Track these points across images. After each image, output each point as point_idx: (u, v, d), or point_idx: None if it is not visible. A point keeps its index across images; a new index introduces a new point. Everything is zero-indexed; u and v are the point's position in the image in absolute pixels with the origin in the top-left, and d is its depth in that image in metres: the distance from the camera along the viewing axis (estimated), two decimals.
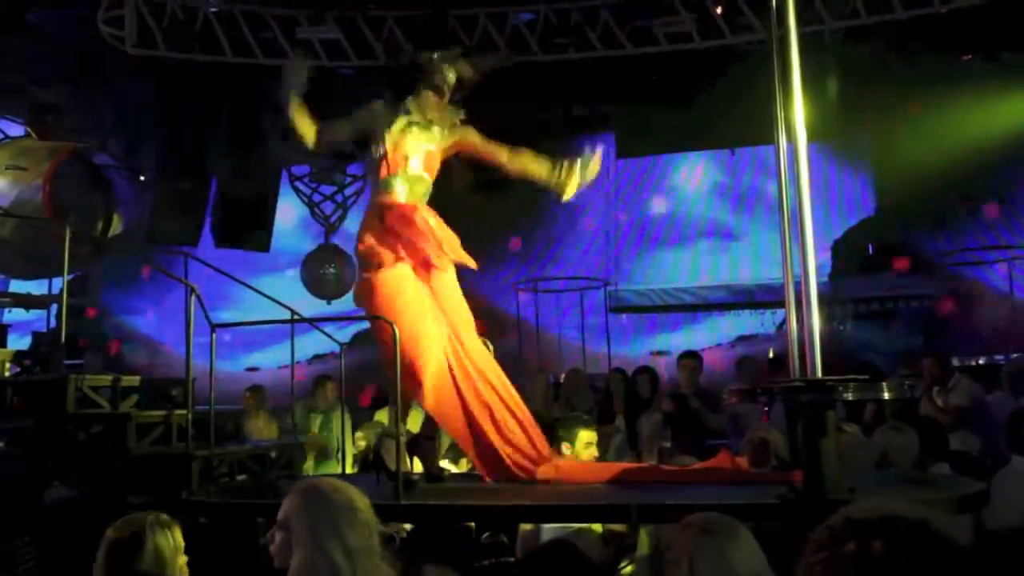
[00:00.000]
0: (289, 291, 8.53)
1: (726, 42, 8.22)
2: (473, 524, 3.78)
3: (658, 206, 11.82)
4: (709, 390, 6.48)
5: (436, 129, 4.02)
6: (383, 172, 3.95)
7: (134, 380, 5.00)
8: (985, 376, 6.44)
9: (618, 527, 3.86)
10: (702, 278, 11.43)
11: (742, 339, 10.95)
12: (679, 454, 4.88)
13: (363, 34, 8.61)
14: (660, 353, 10.58)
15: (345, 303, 10.37)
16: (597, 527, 3.88)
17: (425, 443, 3.99)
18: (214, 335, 3.93)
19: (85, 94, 8.81)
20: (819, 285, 3.06)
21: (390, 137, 3.94)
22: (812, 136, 3.14)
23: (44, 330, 6.58)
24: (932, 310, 9.57)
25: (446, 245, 3.92)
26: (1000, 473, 4.12)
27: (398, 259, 3.84)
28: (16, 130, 8.74)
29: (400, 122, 3.96)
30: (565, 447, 4.14)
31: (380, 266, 3.83)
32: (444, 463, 4.44)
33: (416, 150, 3.98)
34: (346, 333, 7.79)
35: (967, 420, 5.48)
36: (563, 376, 7.57)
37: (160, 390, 5.05)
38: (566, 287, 10.87)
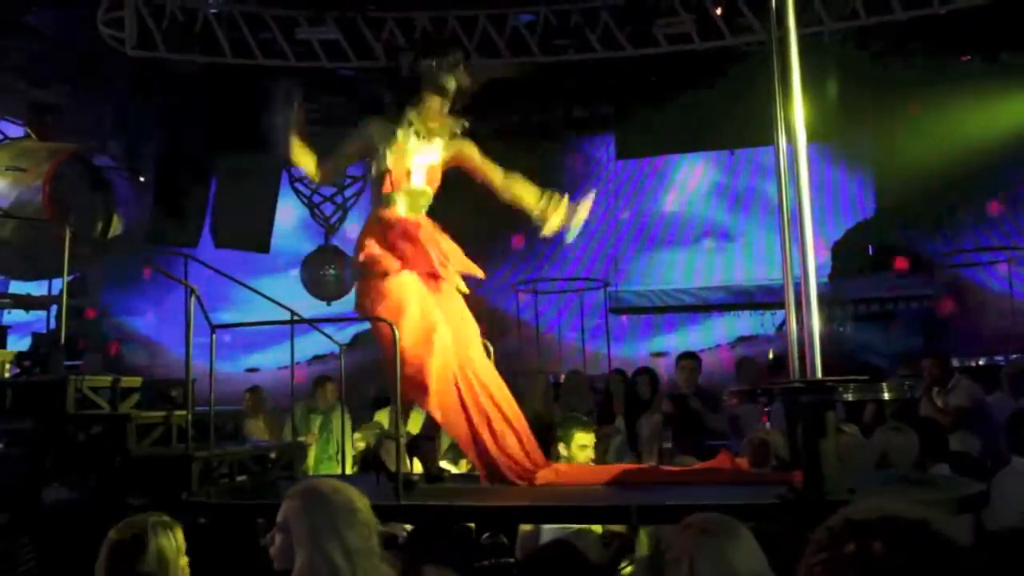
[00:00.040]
0: (289, 292, 8.53)
1: (726, 43, 8.22)
2: (473, 525, 3.78)
3: (658, 207, 11.83)
4: (709, 391, 6.48)
5: (437, 140, 3.99)
6: (385, 187, 3.93)
7: (134, 381, 4.99)
8: (985, 377, 6.45)
9: (618, 528, 3.86)
10: (702, 279, 11.43)
11: (742, 340, 10.95)
12: (680, 455, 4.88)
13: (363, 35, 8.62)
14: (660, 354, 10.57)
15: (345, 304, 10.38)
16: (597, 528, 3.88)
17: (425, 444, 3.99)
18: (214, 336, 3.93)
19: (85, 95, 8.82)
20: (819, 286, 3.06)
21: (392, 154, 3.91)
22: (812, 137, 3.14)
23: (44, 331, 6.57)
24: (932, 311, 9.57)
25: (452, 258, 3.94)
26: (1000, 474, 4.12)
27: (403, 267, 3.84)
28: (16, 131, 8.74)
29: (401, 135, 3.94)
30: (561, 448, 4.14)
31: (385, 274, 3.82)
32: (444, 464, 4.43)
33: (418, 164, 3.95)
34: (346, 334, 7.80)
35: (967, 421, 5.49)
36: (563, 377, 7.58)
37: (160, 391, 5.04)
38: (566, 287, 10.87)
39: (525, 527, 3.98)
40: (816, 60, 6.10)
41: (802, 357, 3.06)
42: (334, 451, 6.63)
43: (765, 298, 10.37)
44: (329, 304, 10.64)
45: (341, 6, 8.52)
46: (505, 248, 10.82)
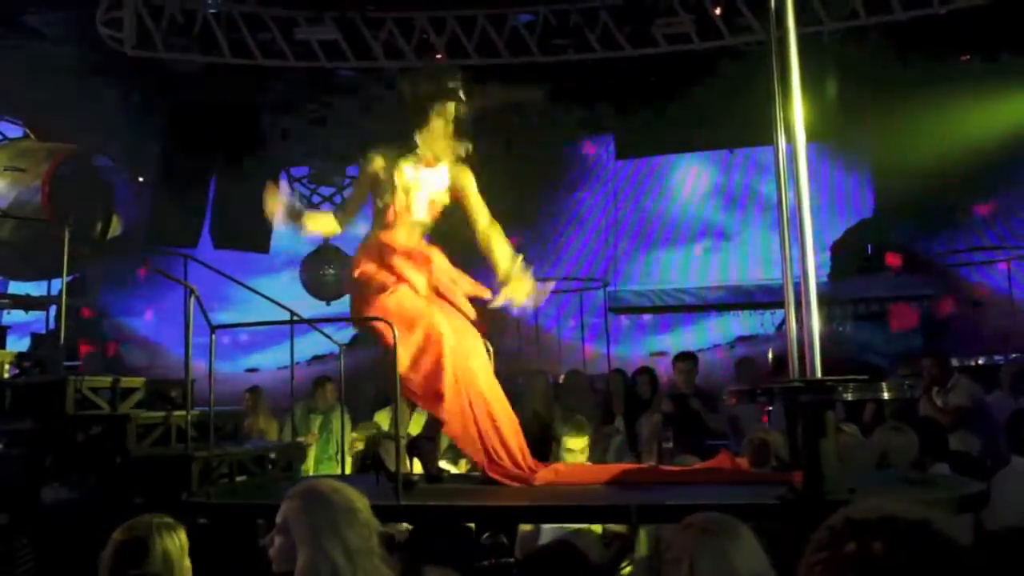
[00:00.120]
0: (288, 292, 8.52)
1: (725, 43, 8.23)
2: (473, 525, 3.78)
3: (658, 206, 11.83)
4: (708, 391, 6.47)
5: (441, 168, 4.00)
6: (388, 217, 3.96)
7: (134, 381, 4.99)
8: (985, 376, 6.44)
9: (618, 528, 3.86)
10: (702, 278, 11.44)
11: (742, 340, 10.96)
12: (681, 454, 4.88)
13: (362, 35, 8.62)
14: (660, 354, 10.58)
15: (344, 304, 10.35)
16: (597, 528, 3.88)
17: (425, 444, 3.99)
18: (214, 336, 3.93)
19: (85, 95, 8.80)
20: (818, 285, 3.06)
21: (396, 189, 3.93)
22: (811, 136, 3.14)
23: (43, 332, 6.57)
24: (932, 310, 9.58)
25: (460, 281, 3.99)
26: (1000, 473, 4.12)
27: (399, 281, 3.86)
28: (15, 131, 8.72)
29: (407, 166, 3.95)
30: (556, 446, 4.17)
31: (381, 290, 3.83)
32: (444, 464, 4.43)
33: (421, 198, 3.99)
34: (345, 334, 7.79)
35: (967, 420, 5.48)
36: (562, 377, 7.57)
37: (160, 391, 5.04)
38: (565, 287, 10.87)
39: (525, 527, 3.98)
40: (815, 60, 6.10)
41: (802, 357, 3.06)
42: (334, 451, 6.62)
43: (765, 298, 10.37)
44: (328, 304, 10.63)
45: (340, 6, 8.52)
46: None
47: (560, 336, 10.66)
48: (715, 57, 8.34)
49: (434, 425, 3.98)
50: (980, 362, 7.58)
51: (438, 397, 3.72)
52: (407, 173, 3.95)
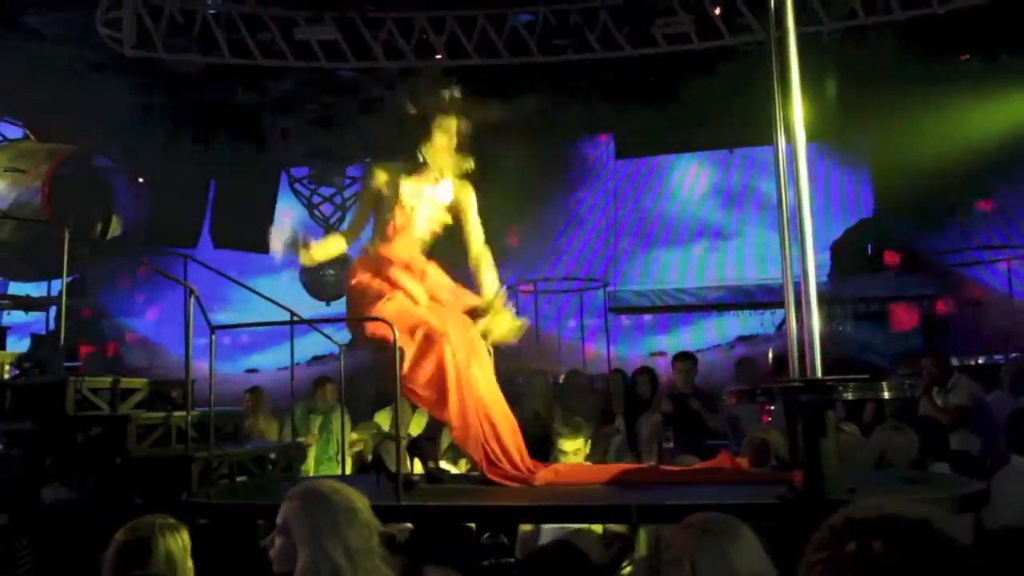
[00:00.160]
0: (288, 292, 8.51)
1: (725, 43, 8.22)
2: (473, 525, 3.78)
3: (657, 206, 11.83)
4: (708, 391, 6.47)
5: (445, 184, 4.00)
6: (388, 232, 3.96)
7: (134, 382, 4.99)
8: (985, 376, 6.44)
9: (618, 528, 3.86)
10: (701, 278, 11.44)
11: (742, 339, 10.96)
12: (681, 454, 4.88)
13: (362, 35, 8.61)
14: (659, 354, 10.58)
15: (344, 304, 10.35)
16: (597, 528, 3.88)
17: (425, 444, 4.00)
18: (214, 337, 3.93)
19: (85, 95, 8.81)
20: (818, 285, 3.06)
21: (401, 203, 3.94)
22: (811, 136, 3.14)
23: (43, 332, 6.57)
24: (932, 310, 9.58)
25: (459, 293, 4.00)
26: (1000, 473, 4.11)
27: (395, 288, 3.86)
28: (15, 132, 8.73)
29: (410, 182, 3.95)
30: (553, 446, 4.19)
31: (378, 297, 3.83)
32: (444, 464, 4.44)
33: (423, 215, 3.99)
34: (345, 335, 7.76)
35: (967, 420, 5.48)
36: (562, 377, 7.57)
37: (160, 392, 5.04)
38: (565, 287, 10.88)
39: (525, 527, 3.98)
40: (815, 60, 6.10)
41: (802, 356, 3.06)
42: (334, 452, 6.62)
43: (765, 297, 10.37)
44: (328, 304, 10.63)
45: (340, 6, 8.52)
46: (504, 248, 10.83)
47: (560, 336, 10.66)
48: (715, 57, 8.34)
49: (434, 425, 3.98)
50: (980, 362, 7.58)
51: (442, 399, 3.72)
52: (410, 189, 3.95)
